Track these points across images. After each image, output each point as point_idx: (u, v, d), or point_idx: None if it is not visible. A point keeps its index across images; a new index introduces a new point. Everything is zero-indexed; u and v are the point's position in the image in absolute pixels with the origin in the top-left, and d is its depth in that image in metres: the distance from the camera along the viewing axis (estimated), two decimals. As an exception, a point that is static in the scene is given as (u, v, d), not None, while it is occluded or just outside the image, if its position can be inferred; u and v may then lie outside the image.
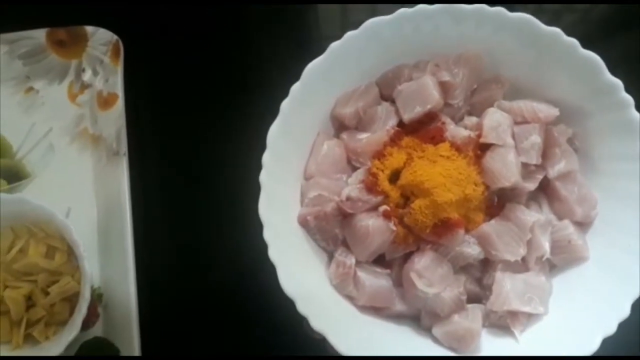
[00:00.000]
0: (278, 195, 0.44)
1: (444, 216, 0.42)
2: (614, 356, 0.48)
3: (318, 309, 0.41)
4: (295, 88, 0.43)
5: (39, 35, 0.58)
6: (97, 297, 0.53)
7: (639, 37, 0.60)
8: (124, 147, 0.54)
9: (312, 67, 0.43)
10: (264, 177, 0.42)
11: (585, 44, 0.44)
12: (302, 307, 0.41)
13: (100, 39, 0.57)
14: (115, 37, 0.57)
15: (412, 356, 0.42)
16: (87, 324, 0.52)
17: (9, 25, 0.58)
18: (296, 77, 0.44)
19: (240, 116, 0.56)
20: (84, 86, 0.58)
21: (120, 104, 0.55)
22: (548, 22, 0.44)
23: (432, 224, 0.42)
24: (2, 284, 0.51)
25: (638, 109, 0.43)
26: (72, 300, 0.51)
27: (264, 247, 0.41)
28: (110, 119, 0.55)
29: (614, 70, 0.43)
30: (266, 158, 0.43)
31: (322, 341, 0.45)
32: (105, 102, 0.56)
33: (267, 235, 0.41)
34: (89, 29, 0.57)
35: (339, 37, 0.44)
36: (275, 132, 0.43)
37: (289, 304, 0.41)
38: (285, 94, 0.44)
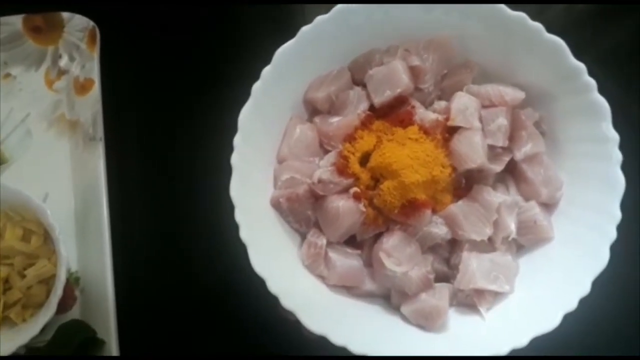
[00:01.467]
0: (250, 178, 0.44)
1: (411, 197, 0.43)
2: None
3: (289, 288, 0.42)
4: (266, 71, 0.44)
5: (15, 21, 0.58)
6: (74, 281, 0.54)
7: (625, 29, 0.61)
8: (100, 132, 0.55)
9: (283, 51, 0.44)
10: (235, 159, 0.43)
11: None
12: (273, 287, 0.41)
13: (76, 25, 0.58)
14: (91, 23, 0.57)
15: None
16: (64, 307, 0.52)
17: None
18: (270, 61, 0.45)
19: (215, 101, 0.56)
20: (61, 72, 0.58)
21: (96, 89, 0.55)
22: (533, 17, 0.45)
23: (400, 204, 0.43)
24: (-21, 267, 0.51)
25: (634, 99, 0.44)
26: (48, 283, 0.52)
27: (237, 231, 0.42)
28: (87, 105, 0.56)
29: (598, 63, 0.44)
30: (237, 140, 0.43)
31: (297, 322, 0.46)
32: (82, 87, 0.57)
33: (239, 216, 0.42)
34: (65, 15, 0.58)
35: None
36: (246, 114, 0.44)
37: (264, 286, 0.42)
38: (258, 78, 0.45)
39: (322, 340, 0.42)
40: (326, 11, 0.45)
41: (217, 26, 0.61)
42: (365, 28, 0.47)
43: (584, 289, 0.41)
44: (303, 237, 0.47)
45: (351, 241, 0.47)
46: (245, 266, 0.42)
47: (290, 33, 0.45)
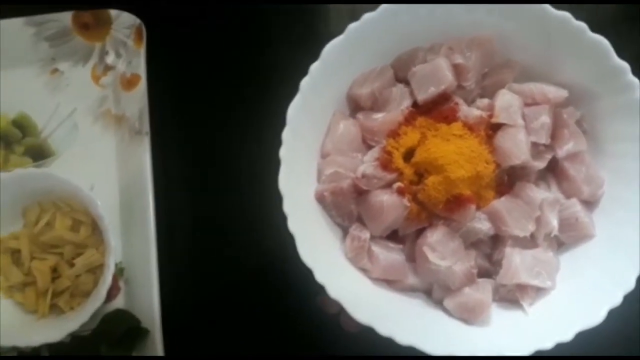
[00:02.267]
0: (296, 172, 0.45)
1: (456, 192, 0.44)
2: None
3: (334, 279, 0.43)
4: (314, 67, 0.45)
5: (65, 18, 0.60)
6: (118, 272, 0.56)
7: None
8: (146, 126, 0.56)
9: (331, 47, 0.45)
10: (283, 152, 0.44)
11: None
12: (320, 277, 0.42)
13: (123, 22, 0.59)
14: (138, 20, 0.59)
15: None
16: (108, 297, 0.54)
17: (36, 7, 0.59)
18: (314, 57, 0.46)
19: (259, 97, 0.57)
20: (107, 68, 0.60)
21: (142, 85, 0.57)
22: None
23: (445, 199, 0.44)
24: (30, 255, 0.53)
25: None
26: (95, 272, 0.54)
27: (283, 224, 0.43)
28: (133, 100, 0.58)
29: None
30: (286, 134, 0.44)
31: (335, 315, 0.47)
32: (129, 83, 0.58)
33: (287, 207, 0.43)
34: (113, 12, 0.60)
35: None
36: (294, 109, 0.44)
37: (305, 279, 0.42)
38: (300, 73, 0.45)
39: (360, 334, 0.43)
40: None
41: (259, 23, 0.62)
42: (409, 27, 0.48)
43: (629, 285, 0.42)
44: (344, 231, 0.48)
45: (392, 236, 0.47)
46: (286, 259, 0.43)
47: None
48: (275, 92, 0.46)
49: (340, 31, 0.46)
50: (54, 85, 0.60)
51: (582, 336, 0.41)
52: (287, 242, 0.43)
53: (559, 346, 0.41)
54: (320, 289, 0.42)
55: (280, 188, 0.44)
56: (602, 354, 0.48)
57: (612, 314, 0.41)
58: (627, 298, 0.42)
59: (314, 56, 0.45)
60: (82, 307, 0.52)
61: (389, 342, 0.42)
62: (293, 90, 0.45)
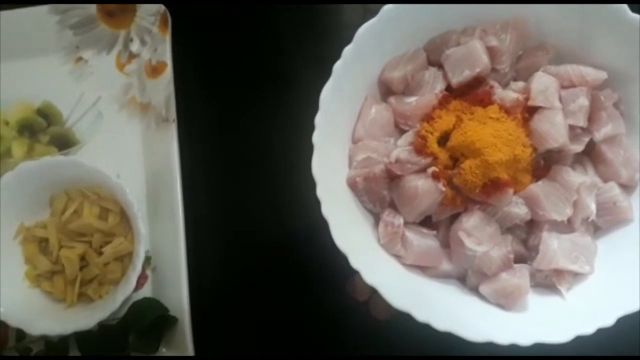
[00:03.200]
0: (329, 157, 0.45)
1: (494, 176, 0.43)
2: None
3: (369, 265, 0.42)
4: (347, 50, 0.44)
5: (90, 5, 0.59)
6: (145, 261, 0.55)
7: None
8: (173, 114, 0.56)
9: (365, 30, 0.44)
10: (317, 138, 0.43)
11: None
12: (355, 262, 0.42)
13: (148, 9, 0.59)
14: (162, 7, 0.58)
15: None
16: (136, 286, 0.54)
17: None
18: (342, 43, 0.45)
19: (289, 82, 0.57)
20: (132, 56, 0.60)
21: (169, 72, 0.57)
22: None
23: (482, 183, 0.43)
24: (58, 244, 0.53)
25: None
26: (123, 260, 0.53)
27: (314, 212, 0.42)
28: (159, 87, 0.57)
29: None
30: (319, 119, 0.44)
31: (364, 303, 0.46)
32: (154, 70, 0.58)
33: (320, 192, 0.42)
34: (138, -1, 0.59)
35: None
36: (327, 94, 0.44)
37: (334, 266, 0.42)
38: (329, 61, 0.45)
39: (389, 322, 0.42)
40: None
41: (289, 9, 0.61)
42: (442, 9, 0.47)
43: (671, 269, 0.41)
44: (376, 217, 0.47)
45: (426, 222, 0.47)
46: (316, 245, 0.43)
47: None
48: (304, 76, 0.46)
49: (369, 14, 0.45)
50: (78, 73, 0.60)
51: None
52: (318, 228, 0.43)
53: (560, 346, 0.40)
54: (350, 275, 0.42)
55: (314, 173, 0.43)
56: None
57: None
58: None
59: (342, 41, 0.45)
60: (110, 295, 0.52)
61: (419, 329, 0.41)
62: (321, 74, 0.45)
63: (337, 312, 0.52)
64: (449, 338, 0.40)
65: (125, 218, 0.53)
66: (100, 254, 0.52)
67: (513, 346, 0.40)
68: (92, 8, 0.59)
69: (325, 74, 0.44)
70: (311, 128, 0.43)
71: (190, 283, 0.53)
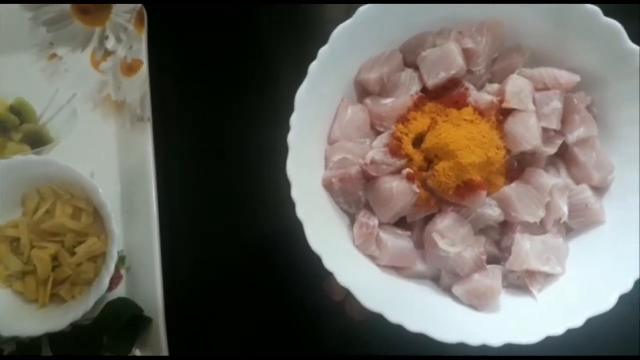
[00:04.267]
0: (304, 158, 0.45)
1: (467, 178, 0.43)
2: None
3: (343, 266, 0.42)
4: (323, 51, 0.44)
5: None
6: (119, 260, 0.55)
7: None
8: (148, 113, 0.55)
9: (340, 31, 0.44)
10: (292, 138, 0.43)
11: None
12: (329, 263, 0.42)
13: (124, 7, 0.58)
14: (139, 5, 0.58)
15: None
16: (110, 286, 0.54)
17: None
18: (321, 43, 0.45)
19: (265, 81, 0.57)
20: (108, 53, 0.59)
21: (144, 71, 0.56)
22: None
23: (456, 185, 0.43)
24: (29, 244, 0.52)
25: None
26: (97, 261, 0.53)
27: (289, 212, 0.42)
28: (135, 86, 0.56)
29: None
30: (294, 120, 0.43)
31: (341, 303, 0.47)
32: (129, 68, 0.57)
33: (295, 193, 0.42)
34: (114, -4, 0.58)
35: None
36: (303, 94, 0.44)
37: (310, 266, 0.42)
38: (305, 59, 0.45)
39: (366, 322, 0.42)
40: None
41: (266, 6, 0.61)
42: (418, 11, 0.47)
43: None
44: (352, 218, 0.47)
45: (400, 223, 0.47)
46: (292, 245, 0.42)
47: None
48: (281, 76, 0.45)
49: (345, 14, 0.45)
50: (53, 70, 0.59)
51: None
52: (294, 228, 0.43)
53: (536, 346, 0.40)
54: (327, 276, 0.42)
55: (289, 174, 0.43)
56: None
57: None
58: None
59: (323, 41, 0.45)
60: (84, 296, 0.51)
61: (395, 330, 0.41)
62: (300, 74, 0.44)
63: (314, 312, 0.52)
64: (426, 338, 0.41)
65: (99, 218, 0.53)
66: (73, 254, 0.52)
67: (485, 347, 0.41)
68: (67, 5, 0.58)
69: (304, 74, 0.43)
70: (289, 129, 0.43)
71: (165, 283, 0.52)
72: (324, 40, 0.44)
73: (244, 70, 0.58)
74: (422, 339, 0.41)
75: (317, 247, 0.42)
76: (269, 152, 0.44)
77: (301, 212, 0.42)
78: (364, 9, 0.45)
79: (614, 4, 0.45)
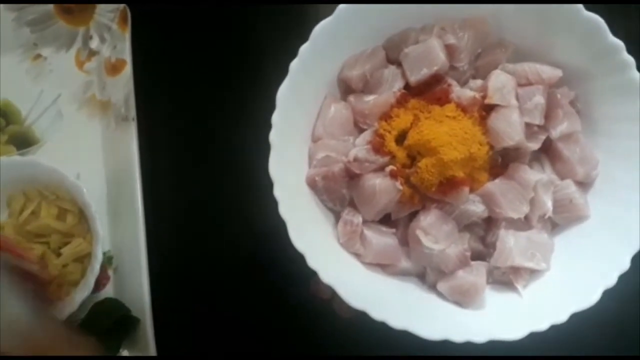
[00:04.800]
0: (287, 156, 0.44)
1: (449, 174, 0.43)
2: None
3: (326, 264, 0.42)
4: (304, 48, 0.44)
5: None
6: (107, 261, 0.55)
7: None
8: (132, 112, 0.55)
9: (321, 28, 0.44)
10: (273, 137, 0.43)
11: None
12: (312, 262, 0.42)
13: (107, 6, 0.58)
14: (122, 4, 0.57)
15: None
16: (97, 287, 0.53)
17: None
18: (304, 41, 0.45)
19: (250, 79, 0.56)
20: (92, 53, 0.59)
21: (128, 70, 0.56)
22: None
23: (438, 182, 0.43)
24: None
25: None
26: (83, 261, 0.53)
27: (274, 209, 0.42)
28: (119, 85, 0.56)
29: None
30: (275, 118, 0.43)
31: (328, 301, 0.46)
32: (113, 68, 0.57)
33: (278, 192, 0.42)
34: (97, -5, 0.58)
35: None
36: (284, 92, 0.44)
37: (297, 264, 0.42)
38: (291, 57, 0.44)
39: (353, 319, 0.42)
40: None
41: (246, 6, 0.61)
42: (401, 7, 0.46)
43: (623, 265, 0.41)
44: (337, 215, 0.47)
45: (385, 220, 0.47)
46: (278, 244, 0.42)
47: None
48: (266, 75, 0.45)
49: (331, 12, 0.45)
50: (37, 71, 0.59)
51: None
52: (280, 227, 0.43)
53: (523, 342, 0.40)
54: (313, 274, 0.42)
55: (271, 173, 0.43)
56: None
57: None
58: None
59: (305, 38, 0.45)
60: (70, 297, 0.51)
61: (383, 327, 0.41)
62: (284, 74, 0.44)
63: (302, 310, 0.52)
64: (414, 335, 0.41)
65: (84, 218, 0.53)
66: (59, 255, 0.52)
67: (469, 343, 0.41)
68: (50, 5, 0.58)
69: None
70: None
71: (152, 283, 0.52)
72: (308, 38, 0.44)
73: (229, 68, 0.58)
74: (410, 336, 0.41)
75: (300, 245, 0.42)
76: (255, 151, 0.43)
77: (284, 211, 0.42)
78: (344, 5, 0.45)
79: (598, 3, 0.45)
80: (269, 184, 0.43)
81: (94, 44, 0.58)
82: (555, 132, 0.46)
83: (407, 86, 0.47)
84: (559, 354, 0.49)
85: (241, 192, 0.54)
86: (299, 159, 0.47)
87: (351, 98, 0.48)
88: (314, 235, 0.44)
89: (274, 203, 0.42)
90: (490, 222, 0.46)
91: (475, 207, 0.45)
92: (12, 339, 0.37)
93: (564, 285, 0.44)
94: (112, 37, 0.58)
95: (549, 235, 0.46)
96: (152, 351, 0.51)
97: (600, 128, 0.47)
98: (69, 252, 0.51)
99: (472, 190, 0.45)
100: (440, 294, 0.45)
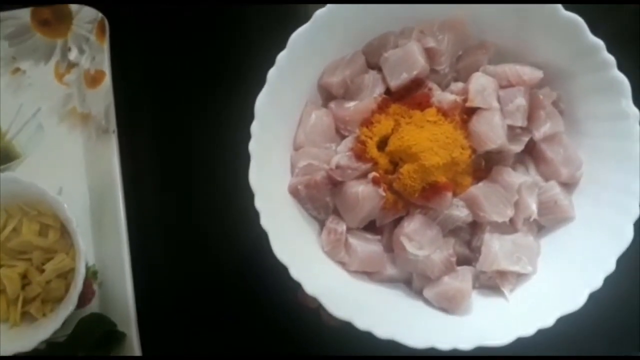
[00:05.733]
0: (269, 165, 0.44)
1: (432, 180, 0.43)
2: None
3: (311, 274, 0.42)
4: (281, 56, 0.43)
5: (23, 15, 0.58)
6: (91, 275, 0.54)
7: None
8: (113, 125, 0.54)
9: (298, 35, 0.43)
10: (253, 147, 0.43)
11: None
12: (296, 273, 0.41)
13: (85, 17, 0.57)
14: (100, 14, 0.57)
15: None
16: (83, 302, 0.53)
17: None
18: (282, 48, 0.44)
19: (228, 89, 0.56)
20: (71, 65, 0.58)
21: (107, 82, 0.55)
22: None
23: (421, 187, 0.43)
24: (-3, 263, 0.51)
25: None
26: (67, 277, 0.52)
27: (258, 219, 0.42)
28: (99, 97, 0.56)
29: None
30: (255, 127, 0.43)
31: (315, 310, 0.46)
32: (93, 80, 0.56)
33: (259, 203, 0.42)
34: (73, 7, 0.57)
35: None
36: (263, 101, 0.43)
37: (284, 273, 0.41)
38: (272, 64, 0.44)
39: (342, 327, 0.42)
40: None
41: (228, 13, 0.60)
42: (378, 10, 0.46)
43: (609, 266, 0.41)
44: (321, 224, 0.47)
45: (370, 227, 0.46)
46: (263, 254, 0.42)
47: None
48: (246, 85, 0.44)
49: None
50: (16, 85, 0.58)
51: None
52: (263, 237, 0.42)
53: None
54: (299, 284, 0.41)
55: (252, 184, 0.42)
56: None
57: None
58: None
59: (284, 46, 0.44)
60: (54, 313, 0.50)
61: (370, 336, 0.41)
62: (264, 82, 0.44)
63: (290, 320, 0.52)
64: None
65: (67, 233, 0.52)
66: (42, 271, 0.51)
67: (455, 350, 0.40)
68: (26, 17, 0.57)
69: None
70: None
71: (137, 297, 0.52)
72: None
73: (209, 77, 0.57)
74: (398, 343, 0.41)
75: (283, 257, 0.41)
76: (239, 160, 0.43)
77: (265, 222, 0.42)
78: (321, 11, 0.44)
79: (578, 3, 0.45)
80: (252, 194, 0.42)
81: (73, 55, 0.58)
82: (538, 134, 0.46)
83: (388, 91, 0.47)
84: (545, 354, 0.48)
85: (225, 202, 0.53)
86: (280, 167, 0.46)
87: (332, 104, 0.47)
88: (297, 245, 0.44)
89: (257, 213, 0.42)
90: (475, 226, 0.46)
91: (459, 212, 0.44)
92: None
93: (551, 288, 0.43)
94: (90, 48, 0.57)
95: (534, 238, 0.46)
96: (139, 365, 0.51)
97: (583, 128, 0.46)
98: (52, 268, 0.50)
99: (455, 195, 0.44)
100: (427, 301, 0.45)
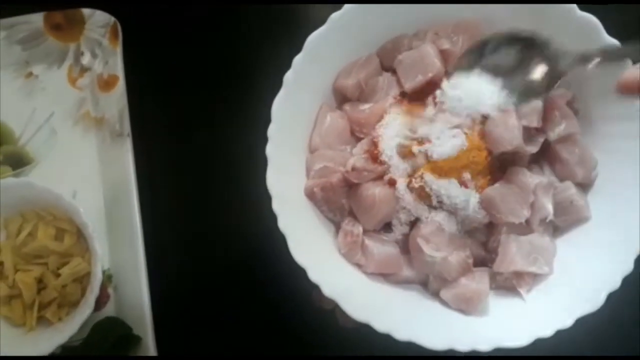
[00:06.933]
0: (285, 168, 0.44)
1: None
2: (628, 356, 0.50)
3: (328, 277, 0.42)
4: (297, 59, 0.44)
5: (37, 19, 0.58)
6: (107, 279, 0.54)
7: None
8: (127, 128, 0.54)
9: (314, 38, 0.44)
10: (270, 150, 0.43)
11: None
12: (314, 275, 0.41)
13: (97, 21, 0.57)
14: (112, 18, 0.57)
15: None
16: (98, 305, 0.52)
17: (6, 10, 0.57)
18: (296, 50, 0.44)
19: (242, 93, 0.56)
20: (84, 69, 0.58)
21: (121, 85, 0.55)
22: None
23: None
24: (13, 267, 0.51)
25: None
26: (82, 281, 0.52)
27: (273, 222, 0.42)
28: (112, 101, 0.56)
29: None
30: (272, 130, 0.43)
31: (331, 311, 0.46)
32: (106, 84, 0.56)
33: (276, 206, 0.42)
34: (86, 11, 0.57)
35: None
36: (279, 104, 0.43)
37: (298, 276, 0.41)
38: (285, 68, 0.44)
39: (357, 330, 0.42)
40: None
41: (240, 16, 0.60)
42: (393, 13, 0.46)
43: (627, 266, 0.41)
44: (337, 226, 0.47)
45: (385, 228, 0.46)
46: (280, 256, 0.42)
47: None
48: (260, 88, 0.45)
49: (324, 22, 0.45)
50: (29, 89, 0.58)
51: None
52: (279, 239, 0.42)
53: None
54: (315, 286, 0.41)
55: (269, 187, 0.42)
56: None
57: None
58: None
59: (298, 49, 0.44)
60: (70, 317, 0.50)
61: (387, 337, 0.41)
62: (278, 85, 0.44)
63: (306, 321, 0.52)
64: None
65: (82, 238, 0.52)
66: (58, 275, 0.51)
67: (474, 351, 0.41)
68: (39, 22, 0.57)
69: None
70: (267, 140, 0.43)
71: (153, 301, 0.52)
72: (301, 49, 0.44)
73: (222, 79, 0.57)
74: (416, 345, 0.41)
75: (301, 259, 0.42)
76: (253, 161, 0.43)
77: (283, 225, 0.42)
78: (336, 14, 0.44)
79: (593, 3, 0.45)
80: (268, 196, 0.42)
81: (86, 60, 0.58)
82: (553, 134, 0.46)
83: (402, 93, 0.47)
84: (558, 354, 0.48)
85: (241, 203, 0.53)
86: (296, 170, 0.46)
87: (347, 107, 0.48)
88: (314, 247, 0.44)
89: (273, 215, 0.42)
90: (491, 228, 0.46)
91: (476, 213, 0.44)
92: None
93: (568, 289, 0.43)
94: (103, 52, 0.57)
95: (550, 238, 0.46)
96: (155, 369, 0.51)
97: (598, 128, 0.46)
98: (68, 273, 0.50)
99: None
100: (443, 302, 0.45)
